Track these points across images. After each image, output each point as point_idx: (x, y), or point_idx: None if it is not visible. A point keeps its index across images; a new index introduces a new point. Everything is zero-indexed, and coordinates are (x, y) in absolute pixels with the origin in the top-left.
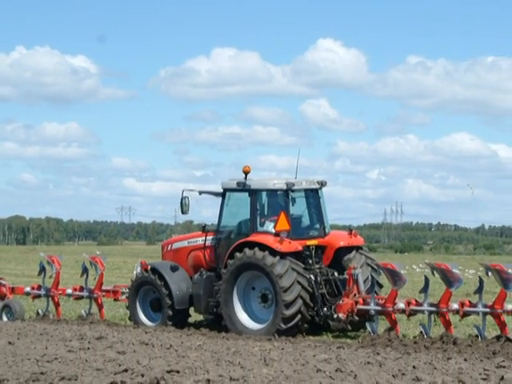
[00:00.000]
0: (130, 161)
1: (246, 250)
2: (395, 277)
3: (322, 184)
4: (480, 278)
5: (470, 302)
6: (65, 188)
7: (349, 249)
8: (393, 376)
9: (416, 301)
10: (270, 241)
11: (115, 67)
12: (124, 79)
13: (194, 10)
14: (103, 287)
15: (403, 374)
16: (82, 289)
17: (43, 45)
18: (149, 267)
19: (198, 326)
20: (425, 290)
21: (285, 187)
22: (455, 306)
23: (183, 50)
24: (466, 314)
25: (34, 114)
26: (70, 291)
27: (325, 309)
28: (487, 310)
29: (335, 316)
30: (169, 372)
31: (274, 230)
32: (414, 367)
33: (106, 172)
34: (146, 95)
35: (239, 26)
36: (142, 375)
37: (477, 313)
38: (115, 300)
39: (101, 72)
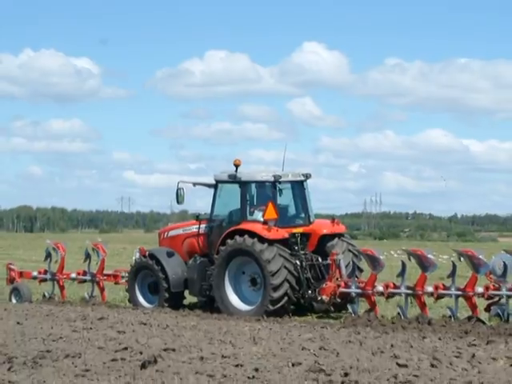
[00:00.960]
0: (129, 155)
1: (237, 237)
2: (374, 262)
3: (307, 176)
4: (453, 262)
5: (443, 285)
6: (69, 180)
7: (332, 236)
8: (372, 354)
9: (394, 284)
10: (258, 229)
11: (116, 68)
12: (124, 79)
13: (189, 15)
14: (104, 271)
15: (382, 352)
16: (85, 273)
17: (49, 47)
18: (147, 253)
19: (192, 307)
20: (402, 274)
21: (272, 179)
22: (430, 288)
23: (178, 53)
24: (439, 297)
25: (40, 112)
26: (73, 275)
27: (309, 291)
28: (459, 292)
29: (319, 298)
30: (165, 350)
31: (262, 219)
32: (391, 345)
33: (107, 165)
34: (144, 94)
35: (230, 30)
36: (141, 353)
37: (450, 295)
38: (116, 283)
39: (102, 73)
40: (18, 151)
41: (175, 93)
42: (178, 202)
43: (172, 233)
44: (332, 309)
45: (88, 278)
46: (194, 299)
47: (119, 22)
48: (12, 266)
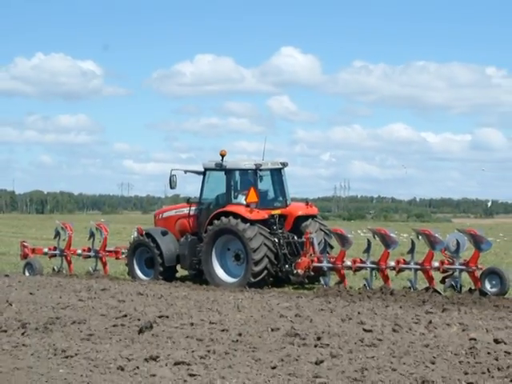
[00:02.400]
0: (128, 146)
1: (223, 218)
2: (343, 240)
3: (284, 165)
4: (412, 240)
5: (404, 260)
6: (75, 168)
7: (306, 217)
8: (341, 320)
9: (360, 259)
10: (241, 210)
11: (116, 70)
12: (123, 79)
13: (181, 24)
14: (107, 248)
15: (350, 319)
16: (89, 249)
17: (58, 52)
18: (144, 232)
19: (183, 279)
20: (367, 250)
21: (254, 167)
22: (392, 263)
23: (171, 56)
24: (400, 270)
25: (50, 108)
26: (79, 251)
27: (286, 266)
28: (418, 266)
29: (295, 272)
30: (160, 317)
31: (245, 202)
32: (358, 313)
33: (109, 155)
34: (141, 92)
35: (217, 36)
36: (138, 319)
37: (409, 269)
38: (116, 259)
39: (105, 74)
40: (30, 142)
41: (168, 91)
42: (170, 187)
43: (166, 214)
44: (306, 281)
45: (92, 254)
46: (185, 272)
47: (120, 29)
48: (25, 244)
